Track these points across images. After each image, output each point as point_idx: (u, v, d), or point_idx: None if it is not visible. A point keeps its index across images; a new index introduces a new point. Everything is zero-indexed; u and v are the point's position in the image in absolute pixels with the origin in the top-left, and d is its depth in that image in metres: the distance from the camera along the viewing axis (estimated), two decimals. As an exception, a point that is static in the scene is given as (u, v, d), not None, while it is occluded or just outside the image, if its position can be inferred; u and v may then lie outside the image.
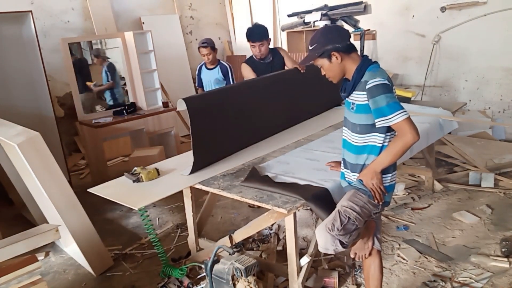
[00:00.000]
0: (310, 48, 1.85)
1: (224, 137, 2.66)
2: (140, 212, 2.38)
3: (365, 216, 1.81)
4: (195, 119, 2.41)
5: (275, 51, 3.49)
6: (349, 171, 1.93)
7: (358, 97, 1.79)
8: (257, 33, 3.30)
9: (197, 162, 2.42)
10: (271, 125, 3.09)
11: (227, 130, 2.69)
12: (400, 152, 1.74)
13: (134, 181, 2.37)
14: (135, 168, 2.48)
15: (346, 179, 1.96)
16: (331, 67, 1.84)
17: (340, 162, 2.05)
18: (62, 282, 2.78)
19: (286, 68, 3.51)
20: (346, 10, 5.43)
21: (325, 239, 1.77)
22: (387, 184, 1.86)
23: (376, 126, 1.76)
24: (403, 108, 1.69)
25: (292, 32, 6.00)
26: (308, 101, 3.45)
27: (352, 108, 1.83)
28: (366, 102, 1.75)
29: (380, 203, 1.84)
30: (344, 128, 1.96)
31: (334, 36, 1.82)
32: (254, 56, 3.42)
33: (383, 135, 1.79)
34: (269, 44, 3.38)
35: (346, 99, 1.88)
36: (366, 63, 1.80)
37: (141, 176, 2.38)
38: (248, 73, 3.37)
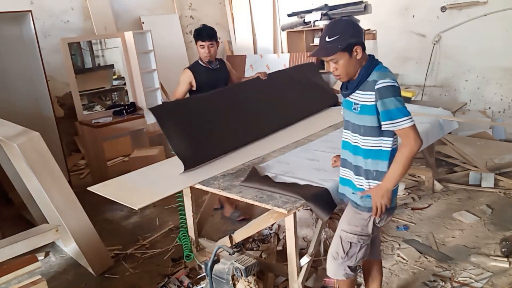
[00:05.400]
0: (329, 39, 1.66)
1: (210, 137, 2.69)
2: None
3: (369, 230, 1.78)
4: (166, 125, 2.51)
5: (222, 62, 3.31)
6: (348, 170, 1.84)
7: (364, 97, 1.69)
8: (206, 32, 3.09)
9: (186, 162, 2.44)
10: (259, 125, 3.05)
11: (210, 131, 2.72)
12: (408, 161, 1.64)
13: None
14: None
15: (345, 177, 1.87)
16: (348, 63, 1.68)
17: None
18: (62, 282, 2.78)
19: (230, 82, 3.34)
20: (346, 9, 5.44)
21: (333, 267, 1.81)
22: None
23: (382, 129, 1.68)
24: (410, 114, 1.63)
25: (292, 32, 6.00)
26: (299, 103, 3.44)
27: (355, 109, 1.72)
28: (373, 103, 1.65)
29: (378, 218, 1.79)
30: (344, 131, 1.85)
31: (358, 30, 1.69)
32: (200, 61, 3.18)
33: (391, 138, 1.70)
34: (217, 48, 3.17)
35: (347, 98, 1.78)
36: (375, 62, 1.72)
37: None
38: (184, 80, 3.09)
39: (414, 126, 1.62)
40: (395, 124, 1.62)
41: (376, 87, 1.63)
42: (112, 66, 5.18)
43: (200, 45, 3.08)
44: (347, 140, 1.83)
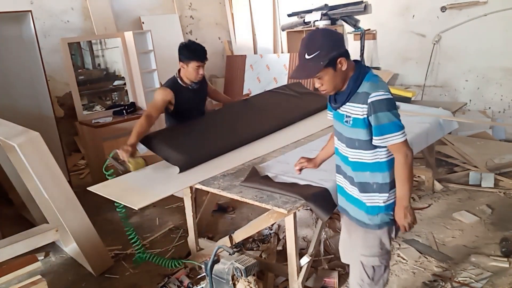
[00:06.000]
0: (309, 56, 1.52)
1: (204, 144, 2.72)
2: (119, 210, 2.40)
3: (388, 246, 1.73)
4: (158, 149, 2.59)
5: (204, 79, 2.99)
6: (348, 183, 1.76)
7: (356, 110, 1.58)
8: (202, 52, 2.77)
9: (181, 167, 2.46)
10: (253, 131, 3.03)
11: (203, 139, 2.76)
12: (410, 174, 1.59)
13: (121, 171, 2.35)
14: (117, 150, 2.45)
15: (347, 191, 1.78)
16: (334, 77, 1.56)
17: (312, 159, 1.95)
18: (62, 282, 2.78)
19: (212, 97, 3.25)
20: (346, 10, 5.44)
21: None
22: (392, 201, 1.69)
23: (373, 144, 1.60)
24: (404, 127, 1.57)
25: (292, 32, 6.00)
26: (293, 108, 3.44)
27: (347, 122, 1.63)
28: (365, 116, 1.56)
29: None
30: (337, 141, 1.75)
31: (338, 40, 1.56)
32: (179, 80, 2.86)
33: (385, 149, 1.63)
34: None
35: (337, 110, 1.67)
36: (363, 71, 1.60)
37: (129, 166, 2.38)
38: (163, 98, 2.78)
39: (406, 140, 1.57)
40: (386, 139, 1.55)
41: (370, 100, 1.54)
42: (115, 75, 5.17)
43: (196, 66, 2.76)
44: (341, 152, 1.74)
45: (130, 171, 2.36)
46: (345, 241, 1.95)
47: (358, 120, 1.59)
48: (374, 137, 1.57)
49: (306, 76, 1.58)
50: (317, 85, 1.60)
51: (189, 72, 2.81)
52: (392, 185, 1.66)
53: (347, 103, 1.61)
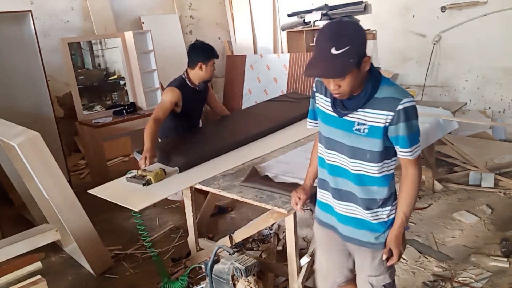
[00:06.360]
0: (337, 51, 1.26)
1: (204, 145, 2.74)
2: (137, 220, 2.31)
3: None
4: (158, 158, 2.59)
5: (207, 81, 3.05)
6: (351, 204, 1.54)
7: (376, 117, 1.38)
8: (215, 49, 2.89)
9: (180, 167, 2.46)
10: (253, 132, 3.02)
11: (203, 141, 2.80)
12: (418, 191, 1.47)
13: (144, 185, 2.27)
14: (132, 171, 2.41)
15: (343, 213, 1.57)
16: (356, 78, 1.33)
17: (303, 188, 1.74)
18: (62, 282, 2.78)
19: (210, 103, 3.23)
20: (346, 9, 5.44)
21: None
22: (393, 215, 1.53)
23: (400, 156, 1.43)
24: None
25: (292, 32, 6.00)
26: (292, 111, 3.43)
27: (359, 130, 1.41)
28: (385, 124, 1.37)
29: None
30: (329, 151, 1.53)
31: (365, 35, 1.35)
32: (188, 81, 2.89)
33: (390, 160, 1.48)
34: None
35: (344, 117, 1.44)
36: (379, 73, 1.41)
37: (150, 179, 2.29)
38: (172, 99, 2.76)
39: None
40: (414, 151, 1.41)
41: (401, 107, 1.34)
42: (115, 82, 5.18)
43: (213, 63, 2.87)
44: (338, 164, 1.52)
45: (151, 183, 2.28)
46: (324, 268, 1.78)
47: (376, 128, 1.39)
48: (402, 149, 1.41)
49: (334, 75, 1.31)
50: (332, 86, 1.36)
51: (208, 71, 2.87)
52: (394, 197, 1.54)
53: (360, 109, 1.40)
